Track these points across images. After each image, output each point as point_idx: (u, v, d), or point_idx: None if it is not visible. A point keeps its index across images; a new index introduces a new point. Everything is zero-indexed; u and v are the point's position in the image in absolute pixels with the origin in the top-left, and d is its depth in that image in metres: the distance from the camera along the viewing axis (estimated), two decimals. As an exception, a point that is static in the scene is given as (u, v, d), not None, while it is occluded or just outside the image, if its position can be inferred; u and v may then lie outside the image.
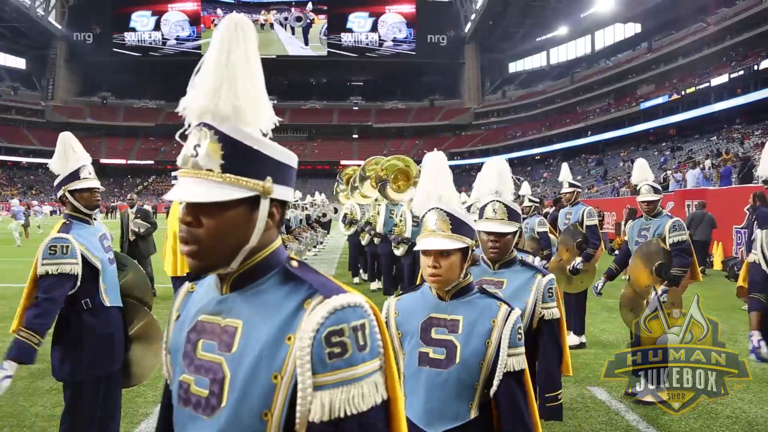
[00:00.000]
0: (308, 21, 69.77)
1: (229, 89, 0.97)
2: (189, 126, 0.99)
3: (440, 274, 1.73)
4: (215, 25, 67.76)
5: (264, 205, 1.00)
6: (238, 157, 0.96)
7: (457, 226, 1.75)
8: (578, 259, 5.90)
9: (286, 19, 69.64)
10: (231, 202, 0.96)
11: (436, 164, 1.92)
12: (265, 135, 1.01)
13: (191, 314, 1.09)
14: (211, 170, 0.95)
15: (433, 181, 1.88)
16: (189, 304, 1.13)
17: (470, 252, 1.77)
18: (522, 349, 1.75)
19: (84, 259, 2.78)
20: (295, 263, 1.06)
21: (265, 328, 0.97)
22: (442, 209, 1.77)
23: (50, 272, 2.66)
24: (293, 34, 69.71)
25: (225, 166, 0.95)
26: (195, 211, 0.97)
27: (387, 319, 1.86)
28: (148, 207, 9.24)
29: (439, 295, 1.81)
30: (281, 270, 1.04)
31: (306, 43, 69.77)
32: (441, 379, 1.73)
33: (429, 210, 1.81)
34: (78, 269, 2.73)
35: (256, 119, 1.00)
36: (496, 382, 1.71)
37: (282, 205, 1.04)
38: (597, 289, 5.00)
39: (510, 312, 1.75)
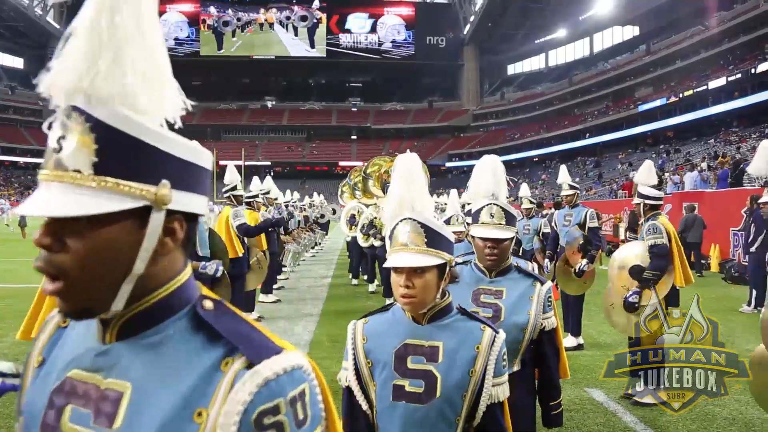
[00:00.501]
0: (315, 20, 69.23)
1: (114, 61, 0.69)
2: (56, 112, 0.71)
3: (414, 295, 1.51)
4: (207, 26, 67.75)
5: (156, 219, 0.72)
6: (118, 153, 0.69)
7: (433, 239, 1.53)
8: (583, 261, 5.99)
9: (288, 18, 69.40)
10: (108, 216, 0.68)
11: (408, 167, 1.68)
12: (172, 127, 0.75)
13: (59, 365, 0.79)
14: (79, 171, 0.68)
15: (406, 187, 1.65)
16: (59, 345, 0.82)
17: (448, 269, 1.57)
18: (506, 377, 1.61)
19: None
20: (209, 304, 0.78)
21: (165, 397, 0.70)
22: (415, 220, 1.55)
23: None
24: (296, 35, 69.44)
25: (100, 166, 0.68)
26: (57, 229, 0.69)
27: (354, 346, 1.64)
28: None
29: (414, 317, 1.59)
30: (189, 314, 0.76)
31: (312, 45, 69.42)
32: (419, 415, 1.53)
33: (401, 220, 1.58)
34: None
35: (157, 106, 0.73)
36: (479, 415, 1.55)
37: (188, 219, 0.76)
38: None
39: (495, 337, 1.58)
